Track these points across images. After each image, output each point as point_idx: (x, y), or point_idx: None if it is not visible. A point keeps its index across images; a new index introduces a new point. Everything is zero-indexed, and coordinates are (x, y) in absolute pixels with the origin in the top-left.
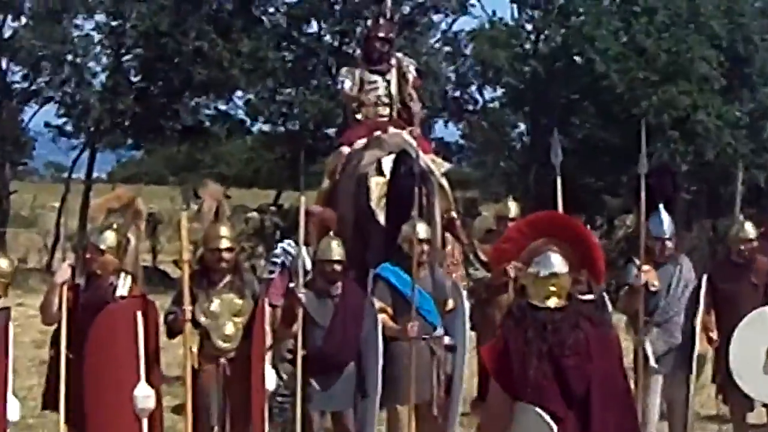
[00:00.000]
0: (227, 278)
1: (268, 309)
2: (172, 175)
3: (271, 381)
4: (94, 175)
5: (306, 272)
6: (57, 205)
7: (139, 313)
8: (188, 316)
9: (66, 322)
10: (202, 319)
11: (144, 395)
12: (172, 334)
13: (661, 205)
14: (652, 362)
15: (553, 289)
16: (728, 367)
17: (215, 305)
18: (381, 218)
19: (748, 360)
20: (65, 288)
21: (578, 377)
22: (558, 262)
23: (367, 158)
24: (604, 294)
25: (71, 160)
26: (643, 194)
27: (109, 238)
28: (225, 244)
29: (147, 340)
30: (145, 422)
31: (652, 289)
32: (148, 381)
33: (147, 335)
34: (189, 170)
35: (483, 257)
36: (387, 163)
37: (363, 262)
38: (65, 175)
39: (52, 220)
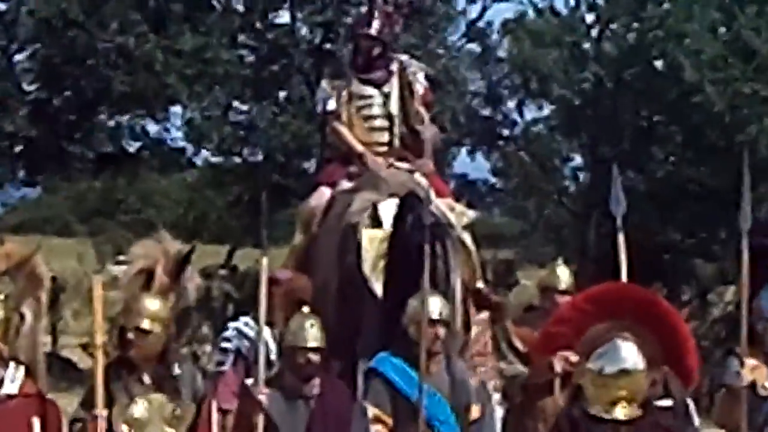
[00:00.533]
0: (156, 373)
1: (215, 415)
2: (81, 223)
3: None
4: None
5: (270, 363)
6: None
7: (34, 419)
8: (102, 424)
9: None
10: (123, 429)
11: None
12: None
13: None
14: None
15: (622, 393)
16: None
17: (140, 409)
18: (377, 288)
19: None
20: None
21: None
22: (631, 356)
23: (358, 203)
24: (689, 400)
25: None
26: (746, 258)
27: None
28: (151, 324)
29: None
30: None
31: (762, 393)
32: None
33: None
34: (105, 216)
35: (520, 345)
36: (386, 210)
37: (351, 350)
38: None
39: None
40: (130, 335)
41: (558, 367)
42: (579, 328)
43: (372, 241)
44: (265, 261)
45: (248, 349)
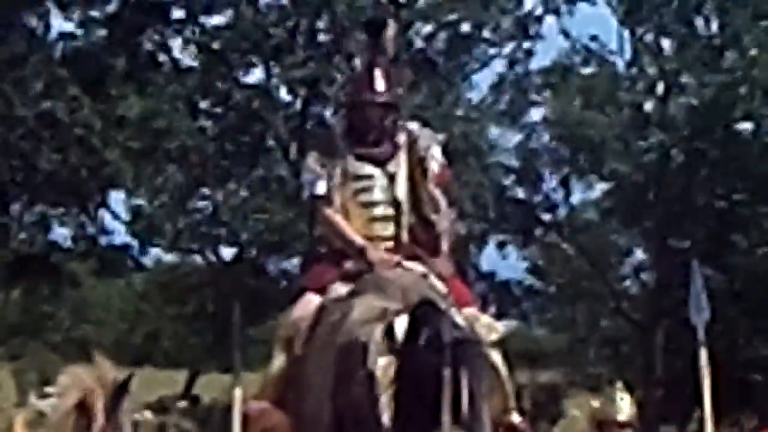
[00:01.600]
0: None
1: None
2: None
3: None
4: None
5: None
6: None
7: None
8: None
9: None
10: None
11: None
12: None
13: None
14: None
15: None
16: None
17: None
18: None
19: None
20: None
21: None
22: None
23: (363, 312)
24: None
25: None
26: None
27: None
28: None
29: None
30: None
31: None
32: None
33: None
34: (27, 335)
35: None
36: (401, 326)
37: None
38: None
39: None
40: None
41: None
42: None
43: (388, 369)
44: (238, 392)
45: None
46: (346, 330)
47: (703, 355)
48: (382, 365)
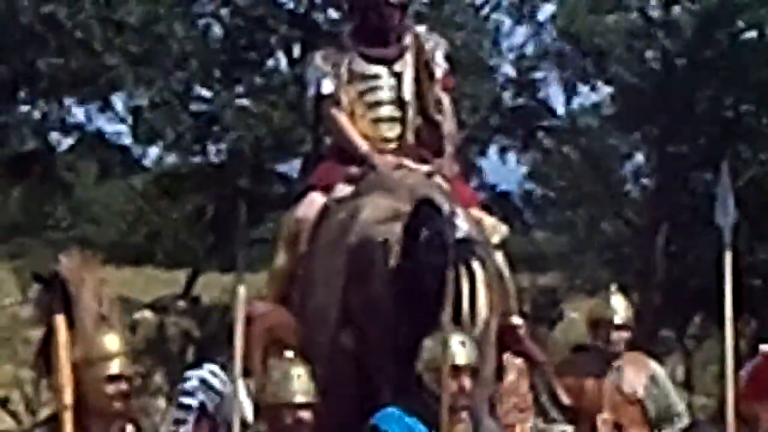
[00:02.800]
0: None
1: None
2: None
3: None
4: None
5: (244, 425)
6: None
7: None
8: None
9: None
10: None
11: None
12: None
13: None
14: None
15: None
16: None
17: None
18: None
19: None
20: None
21: None
22: None
23: (372, 212)
24: None
25: None
26: None
27: None
28: (120, 367)
29: None
30: None
31: None
32: None
33: None
34: (28, 233)
35: (565, 398)
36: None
37: (354, 405)
38: None
39: None
40: (108, 388)
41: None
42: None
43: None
44: (242, 290)
45: (215, 405)
46: (359, 229)
47: (728, 258)
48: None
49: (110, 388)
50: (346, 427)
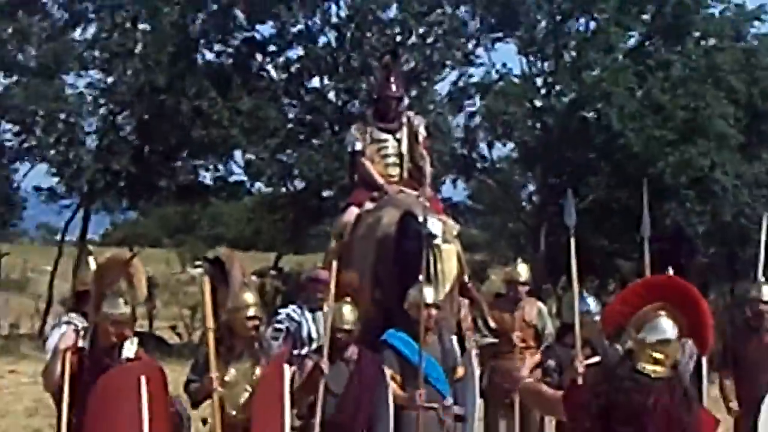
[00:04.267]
0: (245, 346)
1: (288, 373)
2: (167, 238)
3: None
4: (89, 236)
5: (311, 339)
6: (49, 268)
7: (142, 377)
8: (216, 384)
9: (69, 387)
10: (218, 389)
11: None
12: (195, 403)
13: (670, 270)
14: None
15: (660, 356)
16: None
17: (231, 374)
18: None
19: None
20: (68, 354)
21: None
22: (669, 328)
23: (389, 216)
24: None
25: (64, 222)
26: (647, 259)
27: (122, 306)
28: (254, 311)
29: (155, 403)
30: None
31: None
32: None
33: (155, 398)
34: (185, 232)
35: (491, 323)
36: (434, 226)
37: (380, 328)
38: (57, 237)
39: (44, 284)
40: (248, 324)
41: (517, 341)
42: (635, 306)
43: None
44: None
45: (295, 329)
46: (382, 229)
47: (572, 243)
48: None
49: (249, 324)
50: (374, 343)
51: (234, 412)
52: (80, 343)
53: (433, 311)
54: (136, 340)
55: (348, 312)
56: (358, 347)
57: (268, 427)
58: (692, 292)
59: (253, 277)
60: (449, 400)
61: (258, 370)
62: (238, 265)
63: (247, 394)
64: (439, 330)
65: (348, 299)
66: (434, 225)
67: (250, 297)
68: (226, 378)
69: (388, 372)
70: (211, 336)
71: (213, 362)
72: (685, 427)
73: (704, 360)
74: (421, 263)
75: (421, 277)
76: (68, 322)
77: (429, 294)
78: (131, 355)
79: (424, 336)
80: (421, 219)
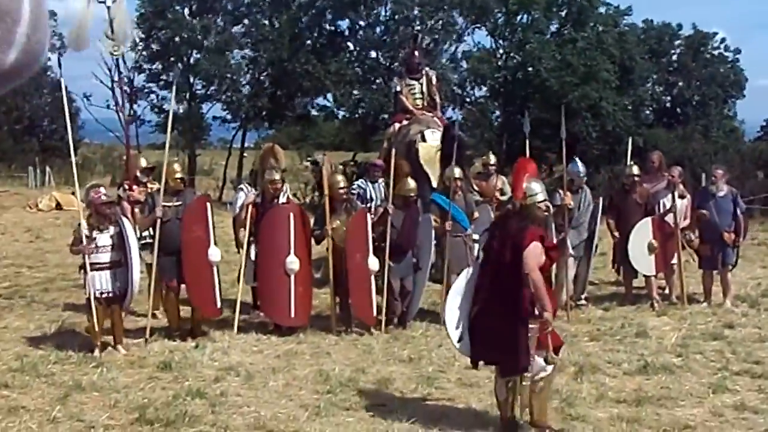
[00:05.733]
0: (341, 206)
1: (370, 221)
2: (291, 144)
3: (374, 263)
4: (246, 144)
5: (371, 198)
6: (224, 162)
7: (291, 214)
8: (329, 232)
9: (251, 223)
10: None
11: (291, 261)
12: (317, 241)
13: (576, 157)
14: (570, 250)
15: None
16: (625, 253)
17: (336, 223)
18: (427, 170)
19: (637, 249)
20: (250, 206)
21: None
22: (538, 187)
23: (414, 130)
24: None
25: (231, 136)
26: (564, 152)
27: (276, 174)
28: (343, 185)
29: (297, 228)
30: (292, 278)
31: (570, 206)
32: (297, 254)
33: (298, 225)
34: (301, 141)
35: (476, 188)
36: (429, 134)
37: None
38: (228, 145)
39: (221, 172)
40: (341, 191)
41: (498, 195)
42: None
43: (423, 148)
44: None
45: (362, 192)
46: (410, 136)
47: (527, 143)
48: (421, 147)
49: (342, 191)
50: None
51: (341, 244)
52: (255, 200)
53: (459, 182)
54: (287, 194)
55: (411, 182)
56: (411, 204)
57: (359, 249)
58: (532, 165)
59: (341, 167)
60: (469, 230)
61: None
62: (327, 161)
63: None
64: (463, 191)
65: (410, 176)
66: (434, 135)
67: (341, 179)
68: (333, 225)
69: (431, 216)
70: (327, 201)
71: (328, 216)
72: (514, 233)
73: (599, 207)
74: (453, 153)
75: (452, 163)
76: (241, 188)
77: (458, 172)
78: (284, 200)
79: (453, 195)
80: (434, 131)
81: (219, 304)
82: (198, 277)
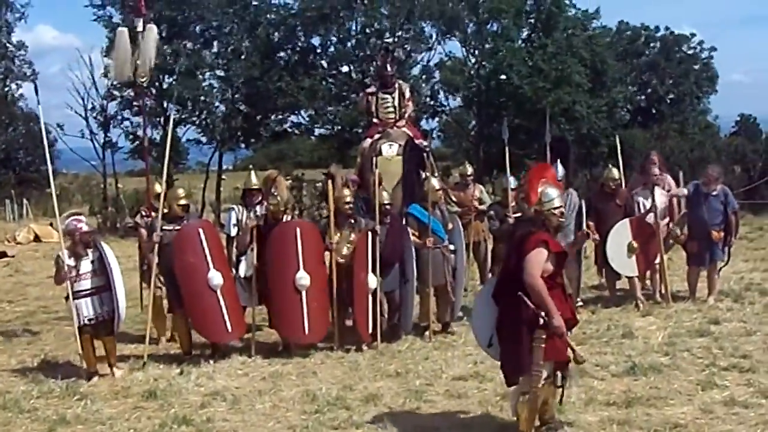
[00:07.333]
0: (346, 222)
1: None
2: (270, 164)
3: (372, 281)
4: (224, 167)
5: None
6: (202, 185)
7: (297, 228)
8: (334, 246)
9: (257, 244)
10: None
11: (301, 277)
12: None
13: (558, 161)
14: None
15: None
16: (605, 255)
17: (336, 238)
18: (384, 183)
19: (616, 251)
20: (254, 228)
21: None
22: (554, 193)
23: (379, 144)
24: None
25: (208, 159)
26: (549, 155)
27: (275, 200)
28: (350, 199)
29: (309, 245)
30: (303, 294)
31: None
32: (307, 269)
33: (307, 241)
34: (279, 159)
35: (454, 199)
36: (385, 147)
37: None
38: (205, 168)
39: (200, 195)
40: (341, 207)
41: (477, 205)
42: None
43: (379, 161)
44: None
45: (362, 200)
46: (375, 150)
47: (507, 150)
48: (379, 159)
49: (348, 206)
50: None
51: (341, 260)
52: (255, 222)
53: (439, 194)
54: (289, 216)
55: (386, 195)
56: (391, 216)
57: (364, 268)
58: (552, 170)
59: (319, 183)
60: (447, 242)
61: (353, 236)
62: (338, 173)
63: (346, 247)
64: (438, 205)
65: (384, 188)
66: (391, 148)
67: (347, 192)
68: (334, 240)
69: (410, 229)
70: (332, 215)
71: (332, 230)
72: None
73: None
74: (425, 168)
75: (428, 174)
76: (232, 208)
77: (436, 183)
78: (287, 219)
79: (432, 209)
80: (397, 145)
81: (230, 328)
82: (199, 303)
